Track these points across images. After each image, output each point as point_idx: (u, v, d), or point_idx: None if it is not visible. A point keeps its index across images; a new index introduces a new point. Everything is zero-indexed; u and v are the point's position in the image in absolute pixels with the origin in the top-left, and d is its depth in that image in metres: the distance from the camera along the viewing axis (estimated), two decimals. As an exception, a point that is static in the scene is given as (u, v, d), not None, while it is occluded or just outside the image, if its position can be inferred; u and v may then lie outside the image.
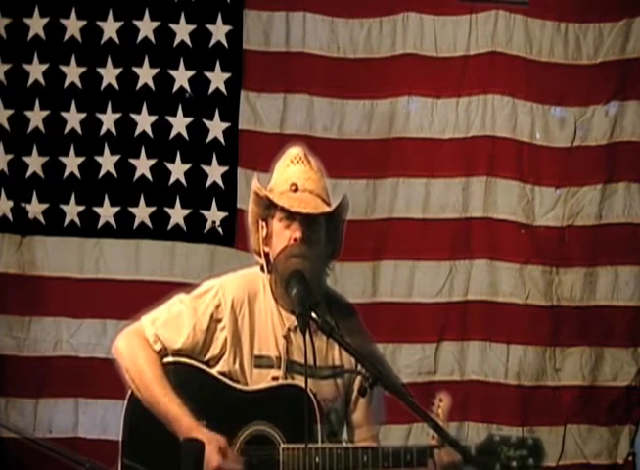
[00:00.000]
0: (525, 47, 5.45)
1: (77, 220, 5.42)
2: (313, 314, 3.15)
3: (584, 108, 5.45)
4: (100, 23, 5.42)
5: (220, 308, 3.38)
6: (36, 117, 5.41)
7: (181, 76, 5.43)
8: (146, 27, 5.42)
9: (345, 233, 3.47)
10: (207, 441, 3.15)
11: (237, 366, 3.34)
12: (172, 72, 5.43)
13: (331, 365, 3.41)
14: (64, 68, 5.42)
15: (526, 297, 5.44)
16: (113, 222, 5.43)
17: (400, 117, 5.48)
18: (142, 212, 5.42)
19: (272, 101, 5.46)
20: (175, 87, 5.43)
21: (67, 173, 5.42)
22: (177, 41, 5.42)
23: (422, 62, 5.46)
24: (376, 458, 3.21)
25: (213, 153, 5.43)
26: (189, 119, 5.42)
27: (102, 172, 5.43)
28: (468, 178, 5.46)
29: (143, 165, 5.43)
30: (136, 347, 3.38)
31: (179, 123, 5.42)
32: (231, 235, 5.38)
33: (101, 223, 5.43)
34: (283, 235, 3.35)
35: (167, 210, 5.42)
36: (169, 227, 5.43)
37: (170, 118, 5.42)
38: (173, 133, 5.42)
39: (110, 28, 5.42)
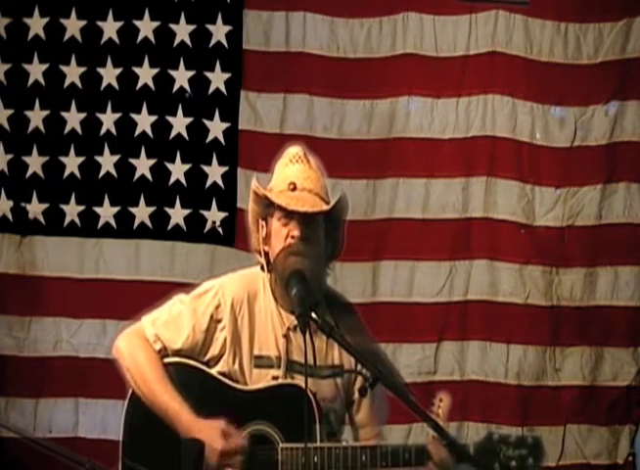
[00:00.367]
0: (525, 47, 5.45)
1: (77, 220, 5.42)
2: (313, 314, 3.15)
3: (584, 108, 5.45)
4: (100, 23, 5.42)
5: (220, 309, 3.38)
6: (36, 117, 5.42)
7: (181, 76, 5.43)
8: (146, 27, 5.42)
9: (346, 233, 3.47)
10: (209, 428, 3.19)
11: (236, 366, 3.34)
12: (172, 72, 5.43)
13: (330, 365, 3.41)
14: (64, 68, 5.42)
15: (526, 297, 5.44)
16: (113, 222, 5.43)
17: (400, 117, 5.48)
18: (142, 212, 5.42)
19: (272, 101, 5.46)
20: (175, 87, 5.43)
21: (67, 173, 5.43)
22: (177, 41, 5.42)
23: (422, 62, 5.46)
24: (374, 457, 3.21)
25: (213, 153, 5.43)
26: (189, 119, 5.43)
27: (102, 172, 5.43)
28: (468, 178, 5.47)
29: (143, 165, 5.43)
30: (137, 346, 3.38)
31: (179, 123, 5.42)
32: (231, 235, 5.38)
33: (101, 223, 5.43)
34: (281, 234, 3.35)
35: (167, 210, 5.43)
36: (169, 227, 5.43)
37: (170, 118, 5.43)
38: (173, 133, 5.43)
39: (110, 28, 5.42)
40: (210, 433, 3.21)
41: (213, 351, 3.37)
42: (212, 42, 5.43)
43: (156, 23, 5.43)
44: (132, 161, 5.43)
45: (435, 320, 5.44)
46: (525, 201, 5.46)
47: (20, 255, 5.43)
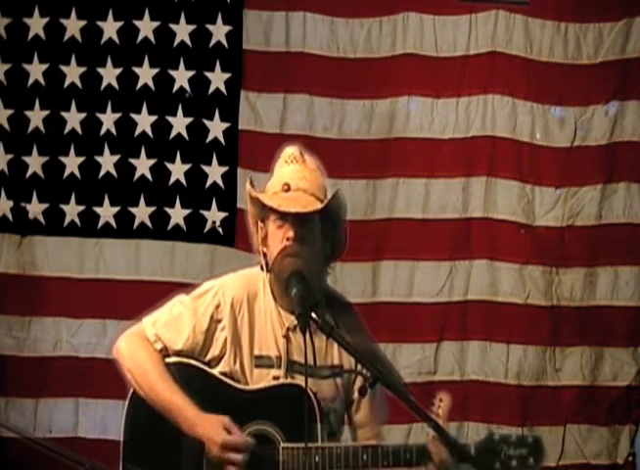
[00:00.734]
0: (525, 47, 5.45)
1: (77, 220, 5.42)
2: (313, 314, 3.15)
3: (584, 108, 5.45)
4: (100, 23, 5.42)
5: (220, 309, 3.38)
6: (36, 117, 5.42)
7: (181, 76, 5.43)
8: (146, 27, 5.42)
9: (348, 233, 3.48)
10: (210, 422, 3.21)
11: (237, 366, 3.34)
12: (172, 72, 5.43)
13: (330, 365, 3.40)
14: (64, 68, 5.42)
15: (526, 297, 5.44)
16: (113, 222, 5.43)
17: (400, 117, 5.48)
18: (142, 212, 5.42)
19: (272, 101, 5.46)
20: (175, 87, 5.43)
21: (67, 173, 5.43)
22: (177, 41, 5.42)
23: (422, 62, 5.46)
24: (376, 457, 3.21)
25: (213, 153, 5.43)
26: (189, 119, 5.42)
27: (102, 172, 5.43)
28: (468, 178, 5.47)
29: (143, 165, 5.43)
30: (138, 347, 3.38)
31: (179, 123, 5.42)
32: (231, 235, 5.38)
33: (101, 223, 5.43)
34: (277, 235, 3.34)
35: (167, 210, 5.43)
36: (169, 227, 5.43)
37: (170, 118, 5.42)
38: (173, 133, 5.43)
39: (110, 28, 5.42)
40: (213, 426, 3.21)
41: (214, 351, 3.37)
42: (212, 42, 5.43)
43: (156, 23, 5.43)
44: (132, 161, 5.43)
45: (435, 320, 5.44)
46: (525, 201, 5.46)
47: (20, 255, 5.43)
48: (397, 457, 3.20)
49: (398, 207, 5.47)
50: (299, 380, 3.27)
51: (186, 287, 3.50)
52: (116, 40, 5.43)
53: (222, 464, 3.23)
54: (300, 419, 3.14)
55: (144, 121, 5.42)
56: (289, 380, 3.32)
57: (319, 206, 3.33)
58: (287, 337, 3.37)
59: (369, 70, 5.47)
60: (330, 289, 3.51)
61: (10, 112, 5.42)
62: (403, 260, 5.44)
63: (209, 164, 5.43)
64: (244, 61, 5.46)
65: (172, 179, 5.43)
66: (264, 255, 3.40)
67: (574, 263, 5.44)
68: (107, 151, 5.42)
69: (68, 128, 5.42)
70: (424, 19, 5.47)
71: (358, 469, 3.20)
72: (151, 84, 5.42)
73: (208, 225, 5.43)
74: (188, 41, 5.43)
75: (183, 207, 5.43)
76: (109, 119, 5.42)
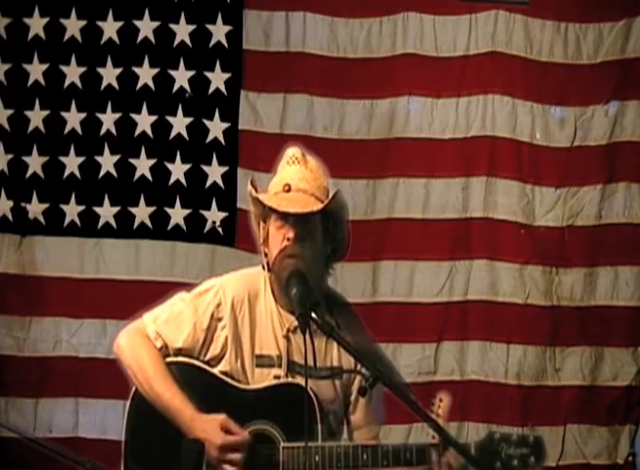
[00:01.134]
0: (525, 47, 5.45)
1: (77, 220, 5.42)
2: (313, 314, 3.15)
3: (584, 108, 5.45)
4: (100, 23, 5.42)
5: (221, 307, 3.38)
6: (36, 117, 5.42)
7: (181, 76, 5.43)
8: (146, 27, 5.42)
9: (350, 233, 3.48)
10: (208, 423, 3.21)
11: (239, 365, 3.34)
12: (172, 72, 5.43)
13: (329, 366, 3.41)
14: (64, 68, 5.42)
15: (526, 297, 5.44)
16: (113, 222, 5.43)
17: (400, 118, 5.48)
18: (142, 212, 5.42)
19: (272, 101, 5.46)
20: (175, 87, 5.43)
21: (67, 173, 5.43)
22: (177, 41, 5.42)
23: (422, 62, 5.46)
24: (376, 456, 3.21)
25: (213, 153, 5.43)
26: (189, 119, 5.42)
27: (102, 172, 5.43)
28: (468, 178, 5.46)
29: (143, 165, 5.43)
30: (138, 343, 3.38)
31: (179, 123, 5.42)
32: (231, 235, 5.38)
33: (101, 223, 5.43)
34: (277, 235, 3.35)
35: (167, 210, 5.42)
36: (169, 227, 5.43)
37: (170, 118, 5.42)
38: (173, 133, 5.42)
39: (110, 28, 5.42)
40: (210, 427, 3.22)
41: (214, 350, 3.37)
42: (212, 42, 5.43)
43: (156, 23, 5.43)
44: (132, 161, 5.43)
45: (435, 320, 5.44)
46: (525, 201, 5.46)
47: (20, 255, 5.43)
48: (397, 457, 3.20)
49: (398, 207, 5.47)
50: (299, 380, 3.27)
51: (186, 287, 3.50)
52: (116, 40, 5.42)
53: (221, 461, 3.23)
54: (301, 419, 3.14)
55: (144, 121, 5.42)
56: (289, 380, 3.32)
57: (319, 206, 3.33)
58: (287, 337, 3.37)
59: (369, 70, 5.47)
60: (330, 289, 3.51)
61: (10, 112, 5.42)
62: (403, 260, 5.44)
63: (209, 164, 5.43)
64: (244, 61, 5.45)
65: (172, 179, 5.43)
66: (265, 254, 3.40)
67: (574, 263, 5.44)
68: (107, 151, 5.42)
69: (68, 128, 5.42)
70: (424, 19, 5.47)
71: (358, 469, 3.21)
72: (151, 84, 5.42)
73: (208, 225, 5.43)
74: (188, 41, 5.43)
75: (183, 207, 5.42)
76: (109, 119, 5.42)
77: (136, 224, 5.43)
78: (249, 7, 5.46)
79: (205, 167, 5.43)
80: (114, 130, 5.42)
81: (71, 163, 5.43)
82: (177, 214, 5.42)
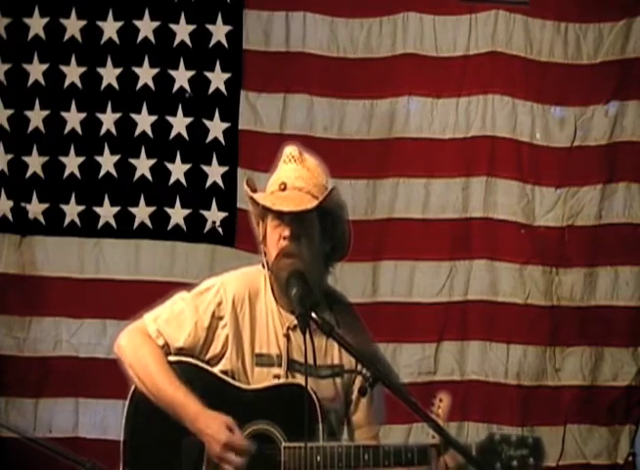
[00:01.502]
0: (525, 47, 5.45)
1: (77, 220, 5.42)
2: (313, 314, 3.15)
3: (584, 108, 5.45)
4: (100, 23, 5.42)
5: (222, 306, 3.38)
6: (36, 117, 5.42)
7: (181, 76, 5.43)
8: (146, 27, 5.42)
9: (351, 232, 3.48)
10: (214, 419, 3.21)
11: (239, 364, 3.34)
12: (172, 72, 5.43)
13: (330, 365, 3.40)
14: (64, 68, 5.42)
15: (526, 297, 5.44)
16: (113, 222, 5.43)
17: (400, 118, 5.48)
18: (142, 212, 5.42)
19: (272, 101, 5.46)
20: (175, 87, 5.43)
21: (67, 173, 5.43)
22: (177, 41, 5.42)
23: (422, 62, 5.46)
24: (377, 457, 3.21)
25: (213, 153, 5.43)
26: (189, 119, 5.42)
27: (102, 172, 5.43)
28: (468, 178, 5.47)
29: (143, 165, 5.43)
30: (139, 342, 3.38)
31: (179, 123, 5.42)
32: (231, 235, 5.38)
33: (101, 223, 5.43)
34: (274, 234, 3.34)
35: (167, 210, 5.42)
36: (169, 227, 5.43)
37: (170, 118, 5.42)
38: (173, 133, 5.43)
39: (110, 28, 5.42)
40: (216, 423, 3.21)
41: (215, 349, 3.37)
42: (212, 42, 5.43)
43: (156, 23, 5.43)
44: (132, 161, 5.43)
45: (435, 320, 5.44)
46: (525, 201, 5.46)
47: (20, 255, 5.43)
48: (398, 457, 3.20)
49: (398, 207, 5.47)
50: (300, 379, 3.27)
51: (186, 287, 3.50)
52: (116, 40, 5.43)
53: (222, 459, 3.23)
54: (302, 419, 3.14)
55: (144, 121, 5.42)
56: (290, 379, 3.32)
57: (313, 204, 3.31)
58: (287, 335, 3.37)
59: (369, 70, 5.47)
60: (330, 289, 3.51)
61: (10, 112, 5.42)
62: (403, 260, 5.44)
63: (209, 164, 5.43)
64: (244, 61, 5.45)
65: (172, 179, 5.43)
66: (265, 253, 3.40)
67: (574, 263, 5.44)
68: (107, 151, 5.42)
69: (68, 128, 5.42)
70: (424, 19, 5.47)
71: (359, 469, 3.21)
72: (151, 84, 5.42)
73: (208, 225, 5.43)
74: (188, 41, 5.43)
75: (183, 207, 5.43)
76: (109, 119, 5.42)
77: (136, 224, 5.43)
78: (249, 7, 5.46)
79: (205, 167, 5.43)
80: (114, 130, 5.42)
81: (71, 163, 5.43)
82: (177, 214, 5.42)
